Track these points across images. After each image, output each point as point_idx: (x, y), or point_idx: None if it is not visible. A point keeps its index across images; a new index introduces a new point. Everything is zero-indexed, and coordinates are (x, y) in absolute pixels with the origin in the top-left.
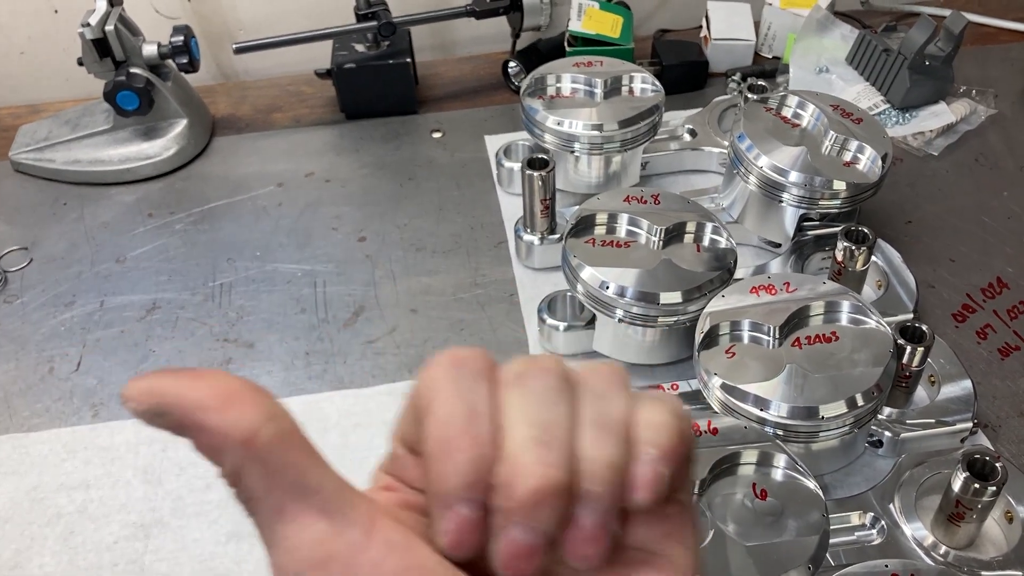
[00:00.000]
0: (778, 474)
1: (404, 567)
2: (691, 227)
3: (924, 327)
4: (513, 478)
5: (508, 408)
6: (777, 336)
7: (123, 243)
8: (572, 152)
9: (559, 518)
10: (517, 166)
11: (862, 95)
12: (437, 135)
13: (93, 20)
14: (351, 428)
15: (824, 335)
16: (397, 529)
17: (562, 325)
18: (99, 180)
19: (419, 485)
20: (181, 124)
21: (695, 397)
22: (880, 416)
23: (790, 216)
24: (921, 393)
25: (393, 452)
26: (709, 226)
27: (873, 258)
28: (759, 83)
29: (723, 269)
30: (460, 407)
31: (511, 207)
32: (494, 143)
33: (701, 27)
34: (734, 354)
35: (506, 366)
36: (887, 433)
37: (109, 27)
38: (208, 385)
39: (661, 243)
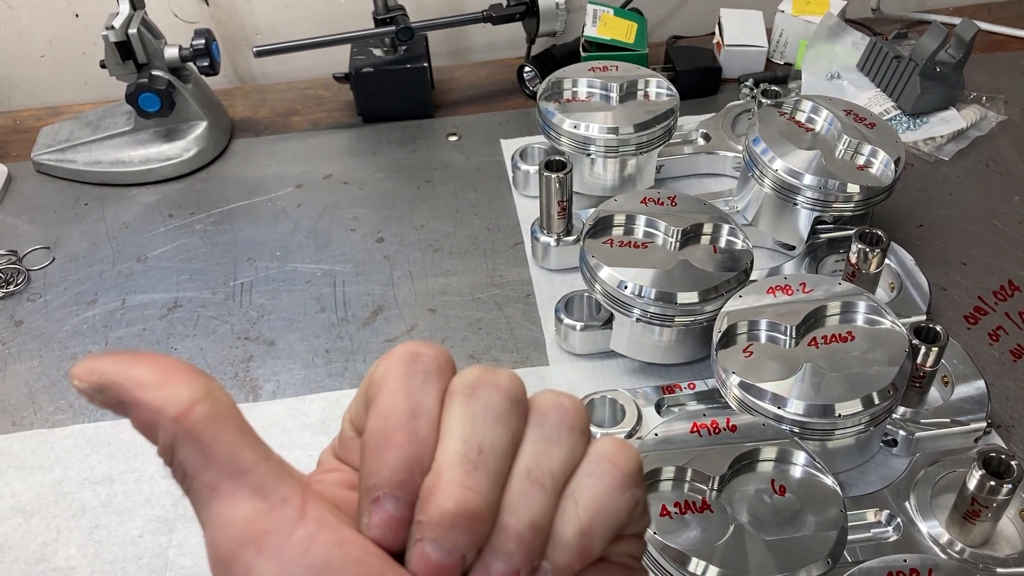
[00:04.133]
0: (797, 471)
1: (336, 542)
2: (708, 228)
3: (938, 328)
4: (432, 493)
5: (449, 417)
6: (794, 336)
7: (144, 243)
8: (588, 155)
9: (474, 543)
10: (533, 169)
11: (873, 101)
12: (453, 138)
13: (117, 23)
14: None
15: (840, 335)
16: (329, 508)
17: (579, 325)
18: (120, 181)
19: None
20: (201, 126)
21: (712, 396)
22: (895, 415)
23: (804, 218)
24: (935, 393)
25: (342, 434)
26: (725, 228)
27: (886, 260)
28: (773, 88)
29: (739, 270)
30: (404, 403)
31: (527, 209)
32: (510, 146)
33: (714, 33)
34: (751, 353)
35: (461, 372)
36: (901, 432)
37: (132, 30)
38: (148, 365)
39: (678, 244)
